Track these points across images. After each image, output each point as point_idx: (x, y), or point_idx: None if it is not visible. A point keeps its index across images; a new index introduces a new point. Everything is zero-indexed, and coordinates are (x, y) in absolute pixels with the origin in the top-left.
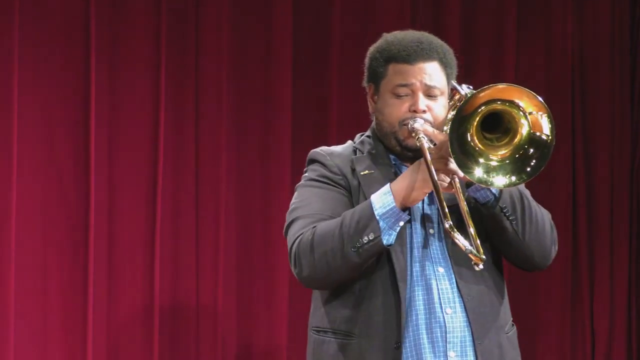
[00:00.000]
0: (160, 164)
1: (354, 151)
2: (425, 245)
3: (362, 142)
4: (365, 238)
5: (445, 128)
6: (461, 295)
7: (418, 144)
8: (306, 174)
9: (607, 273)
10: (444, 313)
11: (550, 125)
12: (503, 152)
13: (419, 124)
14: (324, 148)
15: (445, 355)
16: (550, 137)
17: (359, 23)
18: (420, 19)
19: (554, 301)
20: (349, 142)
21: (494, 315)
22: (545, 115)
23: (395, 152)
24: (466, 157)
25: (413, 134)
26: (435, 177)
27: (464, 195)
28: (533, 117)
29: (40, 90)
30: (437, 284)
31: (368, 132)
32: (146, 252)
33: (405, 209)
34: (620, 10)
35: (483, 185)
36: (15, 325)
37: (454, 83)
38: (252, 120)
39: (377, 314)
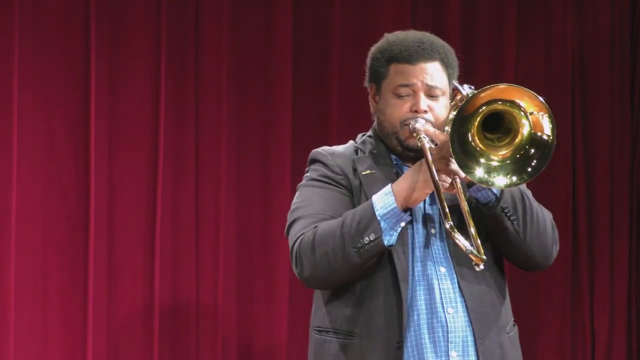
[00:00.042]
0: (160, 164)
1: (356, 151)
2: (427, 245)
3: (363, 142)
4: (366, 238)
5: (446, 128)
6: (463, 295)
7: (419, 144)
8: (307, 174)
9: (607, 273)
10: (446, 313)
11: (551, 126)
12: (504, 152)
13: (420, 124)
14: (326, 148)
15: (447, 355)
16: (551, 138)
17: (359, 23)
18: (420, 19)
19: (554, 301)
20: (351, 142)
21: (495, 315)
22: (546, 115)
23: (397, 152)
24: (467, 157)
25: (414, 134)
26: (437, 178)
27: (465, 195)
28: (534, 117)
29: (40, 90)
30: (438, 283)
31: (369, 132)
32: (146, 252)
33: (407, 209)
34: (620, 10)
35: (484, 186)
36: (15, 325)
37: (456, 83)
38: (252, 120)
39: (378, 314)
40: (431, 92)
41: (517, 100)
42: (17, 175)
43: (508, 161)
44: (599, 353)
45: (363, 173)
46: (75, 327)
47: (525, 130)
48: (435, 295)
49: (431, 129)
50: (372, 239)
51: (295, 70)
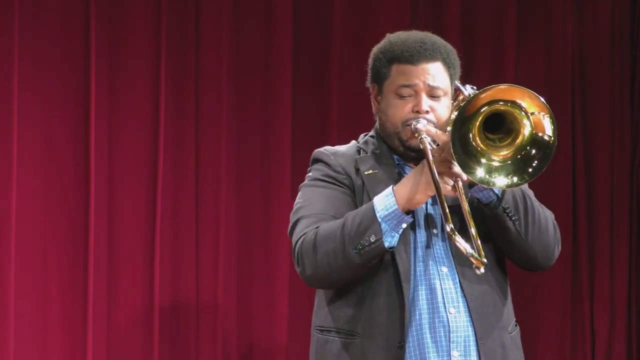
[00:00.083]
0: (160, 164)
1: (358, 151)
2: (429, 244)
3: (365, 142)
4: (367, 240)
5: (448, 128)
6: (464, 295)
7: (421, 145)
8: (310, 174)
9: (607, 273)
10: (448, 312)
11: (552, 126)
12: (505, 152)
13: (422, 125)
14: (328, 148)
15: (449, 355)
16: (552, 138)
17: (359, 23)
18: (420, 19)
19: (554, 301)
20: (353, 142)
21: (497, 315)
22: (548, 116)
23: (399, 153)
24: (468, 157)
25: (416, 135)
26: (438, 180)
27: (466, 197)
28: (535, 117)
29: (40, 90)
30: (440, 283)
31: (372, 132)
32: (146, 252)
33: (409, 211)
34: (620, 10)
35: (485, 186)
36: (15, 325)
37: (458, 83)
38: (252, 120)
39: (380, 314)
40: (433, 93)
41: (519, 101)
42: (17, 175)
43: (509, 161)
44: (599, 353)
45: (365, 173)
46: (75, 327)
47: (526, 130)
48: (437, 295)
49: (433, 130)
50: (372, 240)
51: (295, 70)
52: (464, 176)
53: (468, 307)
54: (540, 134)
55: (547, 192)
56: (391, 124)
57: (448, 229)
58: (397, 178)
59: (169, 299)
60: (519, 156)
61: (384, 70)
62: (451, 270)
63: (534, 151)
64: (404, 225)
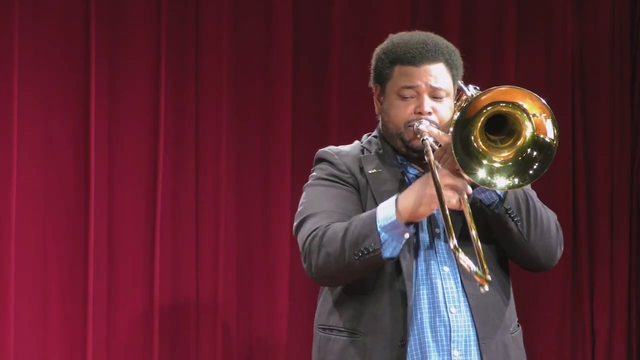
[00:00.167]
0: (160, 164)
1: (362, 151)
2: (431, 244)
3: (369, 142)
4: (366, 248)
5: (450, 129)
6: (466, 295)
7: (424, 148)
8: (314, 174)
9: (607, 273)
10: (449, 312)
11: (553, 128)
12: (506, 154)
13: (424, 126)
14: (332, 147)
15: (449, 354)
16: (554, 140)
17: (359, 23)
18: (420, 19)
19: (554, 301)
20: (356, 142)
21: (499, 315)
22: (549, 118)
23: (402, 153)
24: (470, 158)
25: (418, 136)
26: (443, 195)
27: (469, 199)
28: (537, 119)
29: (40, 90)
30: (442, 283)
31: (375, 133)
32: (146, 252)
33: (412, 222)
34: (620, 10)
35: (486, 187)
36: (15, 325)
37: (461, 84)
38: (252, 120)
39: (382, 312)
40: (435, 94)
41: (520, 102)
42: (17, 175)
43: (510, 163)
44: (599, 353)
45: (370, 172)
46: (75, 327)
47: (528, 132)
48: (438, 294)
49: (435, 130)
50: (370, 249)
51: (295, 70)
52: (470, 190)
53: (469, 307)
54: (541, 136)
55: (547, 192)
56: (393, 124)
57: (452, 245)
58: (401, 178)
59: (169, 299)
60: (520, 158)
61: (387, 71)
62: (453, 269)
63: (535, 153)
64: (407, 236)
